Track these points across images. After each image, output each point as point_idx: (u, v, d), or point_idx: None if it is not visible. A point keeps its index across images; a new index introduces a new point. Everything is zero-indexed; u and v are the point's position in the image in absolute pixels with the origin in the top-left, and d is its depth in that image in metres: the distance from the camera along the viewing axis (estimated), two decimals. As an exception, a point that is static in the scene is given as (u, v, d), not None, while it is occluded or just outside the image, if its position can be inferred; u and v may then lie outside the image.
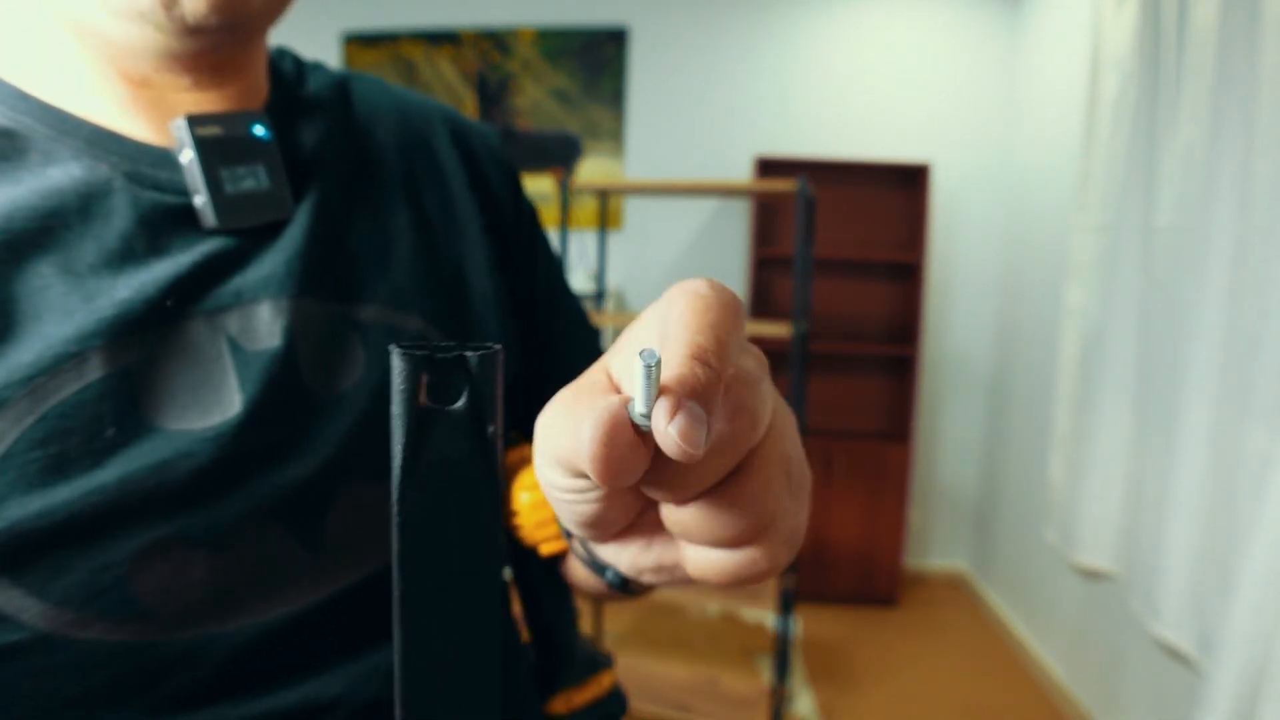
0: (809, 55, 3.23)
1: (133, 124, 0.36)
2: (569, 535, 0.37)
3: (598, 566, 0.35)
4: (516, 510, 0.44)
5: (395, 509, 0.18)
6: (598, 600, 0.42)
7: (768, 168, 3.10)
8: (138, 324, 0.33)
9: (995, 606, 3.08)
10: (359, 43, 3.32)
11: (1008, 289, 3.17)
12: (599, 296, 2.64)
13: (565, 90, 3.29)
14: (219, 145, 0.36)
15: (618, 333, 3.24)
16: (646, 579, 0.30)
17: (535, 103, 3.30)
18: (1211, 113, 1.73)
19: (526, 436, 0.48)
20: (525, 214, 0.54)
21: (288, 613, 0.36)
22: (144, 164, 0.36)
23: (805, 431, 2.58)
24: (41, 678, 0.30)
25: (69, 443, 0.31)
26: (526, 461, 0.46)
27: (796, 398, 2.13)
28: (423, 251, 0.45)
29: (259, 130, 0.38)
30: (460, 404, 0.18)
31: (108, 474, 0.31)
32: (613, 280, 3.31)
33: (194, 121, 0.36)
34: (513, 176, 0.53)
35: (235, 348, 0.35)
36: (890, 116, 3.23)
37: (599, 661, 0.52)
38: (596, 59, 3.27)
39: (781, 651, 2.22)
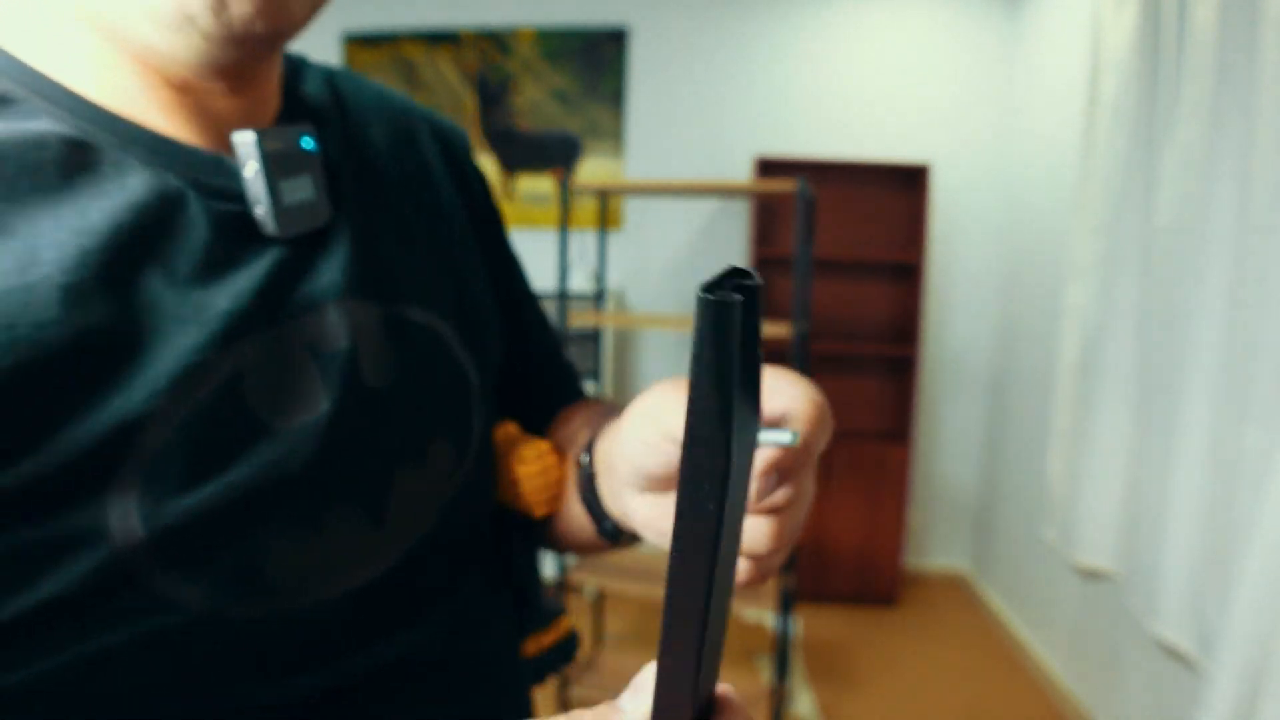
0: (809, 55, 3.23)
1: (179, 129, 0.37)
2: (591, 493, 0.46)
3: (599, 517, 0.46)
4: (516, 480, 0.50)
5: (738, 436, 0.17)
6: (581, 550, 0.53)
7: (767, 168, 3.10)
8: (240, 331, 0.35)
9: (995, 606, 3.08)
10: (359, 43, 3.32)
11: (1007, 289, 3.17)
12: (599, 296, 2.64)
13: (565, 90, 3.29)
14: (278, 158, 0.38)
15: (618, 332, 3.24)
16: (649, 535, 0.40)
17: (535, 103, 3.30)
18: (1211, 113, 1.73)
19: (507, 417, 0.56)
20: (495, 213, 0.57)
21: (365, 582, 0.40)
22: (202, 173, 0.37)
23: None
24: (201, 653, 0.34)
25: (206, 445, 0.33)
26: (513, 440, 0.52)
27: (796, 398, 2.13)
28: (432, 253, 0.48)
29: (307, 143, 0.40)
30: (741, 339, 0.18)
31: (240, 471, 0.34)
32: (613, 280, 3.31)
33: (260, 136, 0.37)
34: (483, 177, 0.57)
35: (314, 350, 0.38)
36: (890, 117, 3.23)
37: (559, 609, 0.59)
38: (596, 59, 3.27)
39: (781, 651, 2.22)
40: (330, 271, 0.40)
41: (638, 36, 3.26)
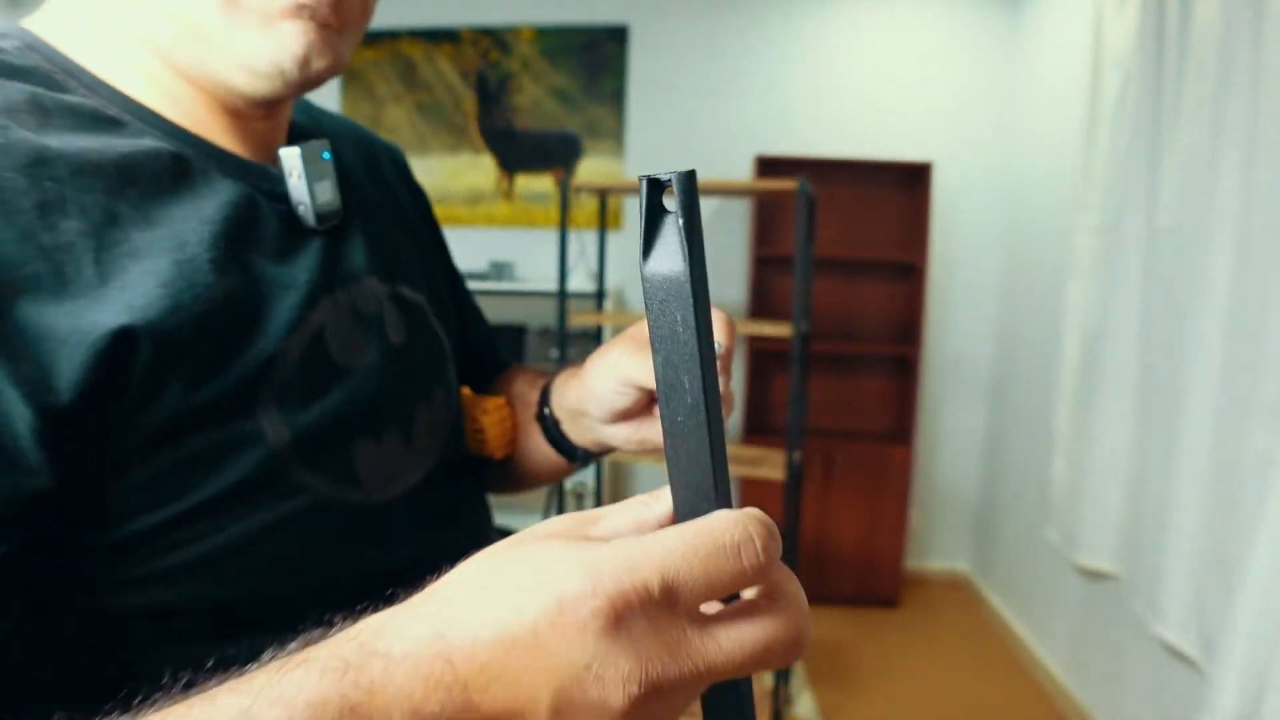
0: (810, 54, 3.22)
1: (233, 145, 0.47)
2: (556, 430, 0.61)
3: (569, 450, 0.62)
4: (482, 428, 0.62)
5: (646, 278, 0.27)
6: (543, 480, 0.68)
7: (768, 167, 3.09)
8: (316, 297, 0.47)
9: (996, 607, 3.07)
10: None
11: (1009, 289, 3.16)
12: (599, 296, 2.63)
13: (565, 89, 3.28)
14: (312, 168, 0.49)
15: (616, 331, 3.25)
16: (631, 447, 0.55)
17: (535, 101, 3.30)
18: (1213, 112, 1.72)
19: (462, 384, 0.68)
20: (436, 222, 0.71)
21: (411, 487, 0.52)
22: (258, 180, 0.47)
23: (805, 432, 2.57)
24: (321, 529, 0.45)
25: (312, 377, 0.45)
26: (472, 399, 0.64)
27: (797, 398, 2.12)
28: (408, 249, 0.60)
29: (326, 155, 0.51)
30: (677, 208, 0.26)
31: (335, 397, 0.46)
32: (612, 280, 3.30)
33: (302, 150, 0.48)
34: (424, 191, 0.71)
35: (357, 313, 0.50)
36: (891, 115, 3.22)
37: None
38: (596, 58, 3.26)
39: (782, 653, 2.21)
40: (355, 256, 0.52)
41: (637, 35, 3.25)
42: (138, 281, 0.37)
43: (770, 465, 2.22)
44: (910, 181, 3.19)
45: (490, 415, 0.62)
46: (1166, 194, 1.92)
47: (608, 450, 0.61)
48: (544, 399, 0.62)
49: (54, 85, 0.41)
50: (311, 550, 0.45)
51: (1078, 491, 2.29)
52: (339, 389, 0.47)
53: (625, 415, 0.53)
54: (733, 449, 2.50)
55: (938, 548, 3.46)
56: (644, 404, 0.52)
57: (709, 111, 3.27)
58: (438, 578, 0.28)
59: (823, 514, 3.11)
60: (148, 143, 0.42)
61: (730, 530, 0.26)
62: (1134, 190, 2.06)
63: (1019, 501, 2.94)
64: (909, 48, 3.19)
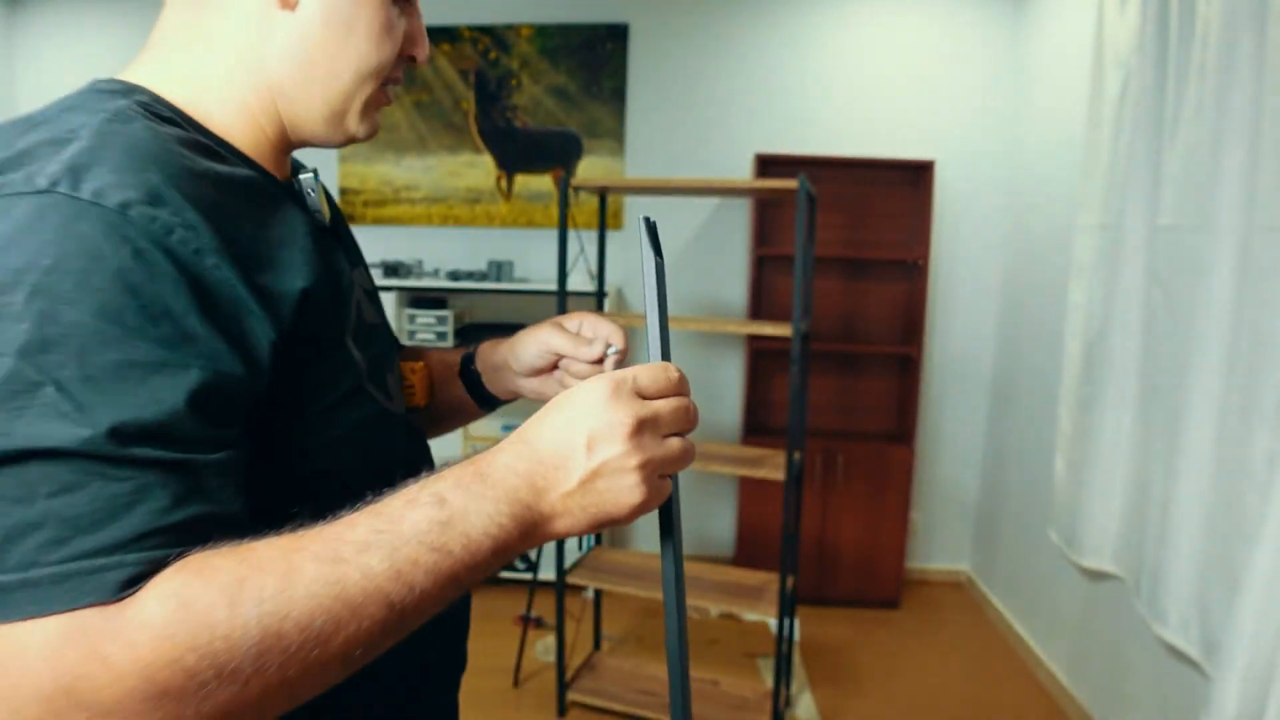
0: (811, 51, 3.22)
1: (276, 172, 0.63)
2: (478, 381, 0.84)
3: (484, 400, 0.85)
4: (412, 384, 0.81)
5: (650, 279, 0.54)
6: (453, 423, 0.91)
7: (768, 165, 3.08)
8: (351, 275, 0.66)
9: (998, 608, 3.06)
10: (358, 41, 3.30)
11: (1011, 288, 3.16)
12: (599, 296, 2.62)
13: (565, 88, 3.28)
14: (315, 185, 0.66)
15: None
16: (533, 395, 0.80)
17: (535, 100, 3.29)
18: (1216, 110, 1.72)
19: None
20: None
21: (404, 411, 0.73)
22: (294, 197, 0.64)
23: (806, 432, 2.56)
24: (382, 428, 0.65)
25: (363, 329, 0.65)
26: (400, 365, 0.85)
27: (797, 398, 2.12)
28: (352, 246, 0.78)
29: (316, 176, 0.68)
30: (652, 233, 0.54)
31: (375, 342, 0.67)
32: (612, 280, 3.30)
33: (314, 175, 0.67)
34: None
35: (364, 290, 0.70)
36: (893, 114, 3.21)
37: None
38: (596, 56, 3.26)
39: (784, 654, 2.20)
40: (348, 250, 0.71)
41: (637, 33, 3.24)
42: (288, 262, 0.55)
43: (770, 465, 2.21)
44: (912, 180, 3.19)
45: (417, 374, 0.83)
46: (1168, 193, 1.91)
47: (514, 398, 0.86)
48: (468, 360, 0.85)
49: (182, 128, 0.55)
50: (378, 442, 0.64)
51: (1079, 492, 2.28)
52: (374, 338, 0.68)
53: (537, 372, 0.78)
54: (733, 449, 2.49)
55: (939, 548, 3.45)
56: (552, 365, 0.77)
57: (709, 111, 3.26)
58: (430, 473, 0.49)
59: (824, 514, 3.10)
60: (246, 171, 0.57)
61: (664, 365, 0.53)
62: (1136, 189, 2.06)
63: (1021, 502, 2.93)
64: (911, 46, 3.18)
